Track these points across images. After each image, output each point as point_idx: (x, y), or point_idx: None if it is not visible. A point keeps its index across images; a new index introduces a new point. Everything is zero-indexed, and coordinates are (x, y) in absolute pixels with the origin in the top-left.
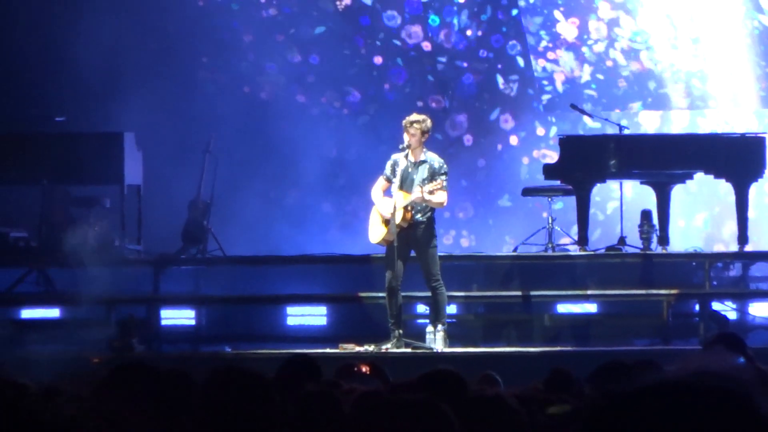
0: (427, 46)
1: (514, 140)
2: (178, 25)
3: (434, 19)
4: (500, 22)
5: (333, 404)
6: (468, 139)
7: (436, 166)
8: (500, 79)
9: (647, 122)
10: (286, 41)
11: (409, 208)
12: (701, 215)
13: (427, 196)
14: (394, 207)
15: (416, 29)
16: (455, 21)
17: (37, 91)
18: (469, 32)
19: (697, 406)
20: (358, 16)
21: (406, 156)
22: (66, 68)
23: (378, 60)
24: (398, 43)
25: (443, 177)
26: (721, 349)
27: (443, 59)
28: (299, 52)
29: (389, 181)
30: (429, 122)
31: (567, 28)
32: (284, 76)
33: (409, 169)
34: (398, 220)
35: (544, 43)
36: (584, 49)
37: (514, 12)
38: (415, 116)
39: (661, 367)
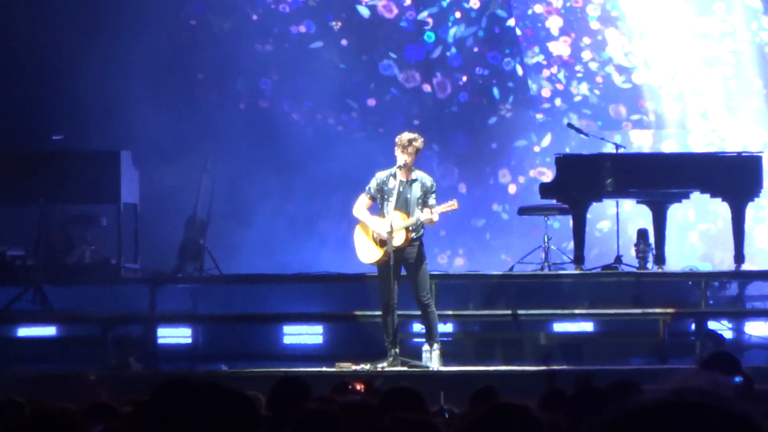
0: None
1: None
2: (173, 43)
3: (430, 35)
4: (497, 37)
5: (330, 422)
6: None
7: (428, 184)
8: (496, 90)
9: (640, 141)
10: (282, 57)
11: (410, 228)
12: (695, 233)
13: (436, 218)
14: (391, 227)
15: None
16: (450, 34)
17: (34, 110)
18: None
19: (695, 427)
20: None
21: (394, 175)
22: (63, 87)
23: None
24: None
25: (434, 195)
26: (712, 368)
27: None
28: (295, 70)
29: (373, 198)
30: (422, 141)
31: (560, 47)
32: (279, 92)
33: (401, 189)
34: (401, 241)
35: (536, 59)
36: (578, 67)
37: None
38: (410, 135)
39: (641, 389)
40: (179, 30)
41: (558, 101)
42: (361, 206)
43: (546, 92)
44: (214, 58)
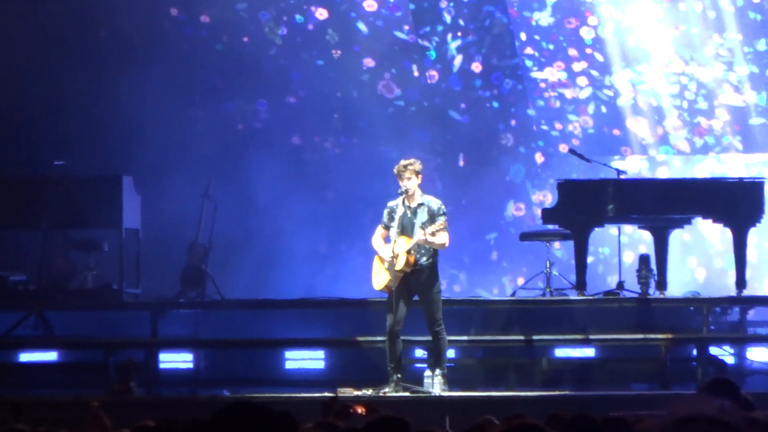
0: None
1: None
2: (172, 67)
3: (432, 54)
4: (496, 66)
5: None
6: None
7: (435, 207)
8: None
9: (634, 167)
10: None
11: (412, 251)
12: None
13: (430, 238)
14: (393, 251)
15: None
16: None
17: (36, 135)
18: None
19: None
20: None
21: (403, 202)
22: (65, 112)
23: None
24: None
25: (443, 218)
26: (710, 394)
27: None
28: (291, 91)
29: (387, 228)
30: (419, 163)
31: (555, 73)
32: (276, 113)
33: (408, 214)
34: (402, 264)
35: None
36: (579, 92)
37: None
38: (404, 161)
39: (631, 426)
40: (181, 53)
41: (558, 125)
42: (376, 236)
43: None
44: (212, 80)
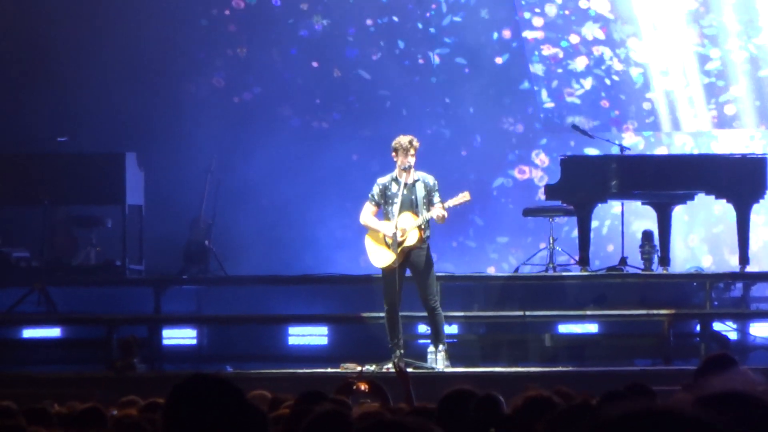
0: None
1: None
2: (179, 45)
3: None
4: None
5: (344, 424)
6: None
7: (431, 183)
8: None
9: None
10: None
11: (422, 226)
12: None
13: (446, 213)
14: (403, 230)
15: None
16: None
17: (39, 112)
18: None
19: None
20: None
21: (396, 179)
22: (68, 88)
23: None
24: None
25: (438, 192)
26: (712, 370)
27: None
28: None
29: (378, 205)
30: (417, 140)
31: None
32: (275, 92)
33: (405, 191)
34: (415, 240)
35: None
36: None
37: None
38: (408, 137)
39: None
40: (189, 31)
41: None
42: (367, 213)
43: (547, 93)
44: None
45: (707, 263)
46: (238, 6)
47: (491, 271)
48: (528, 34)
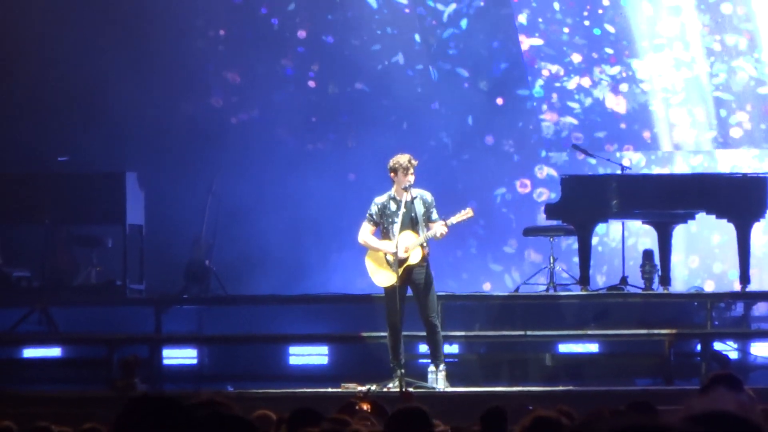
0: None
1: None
2: (176, 61)
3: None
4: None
5: None
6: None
7: (429, 199)
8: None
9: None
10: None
11: (425, 245)
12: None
13: (446, 230)
14: (405, 248)
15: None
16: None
17: (39, 131)
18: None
19: None
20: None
21: (394, 198)
22: (69, 108)
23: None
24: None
25: (435, 209)
26: (723, 389)
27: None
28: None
29: (376, 224)
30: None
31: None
32: (271, 113)
33: (405, 209)
34: (418, 258)
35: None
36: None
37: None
38: (407, 156)
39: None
40: (189, 50)
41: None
42: (365, 233)
43: (551, 115)
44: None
45: (708, 287)
46: (235, 26)
47: (487, 287)
48: (528, 42)
